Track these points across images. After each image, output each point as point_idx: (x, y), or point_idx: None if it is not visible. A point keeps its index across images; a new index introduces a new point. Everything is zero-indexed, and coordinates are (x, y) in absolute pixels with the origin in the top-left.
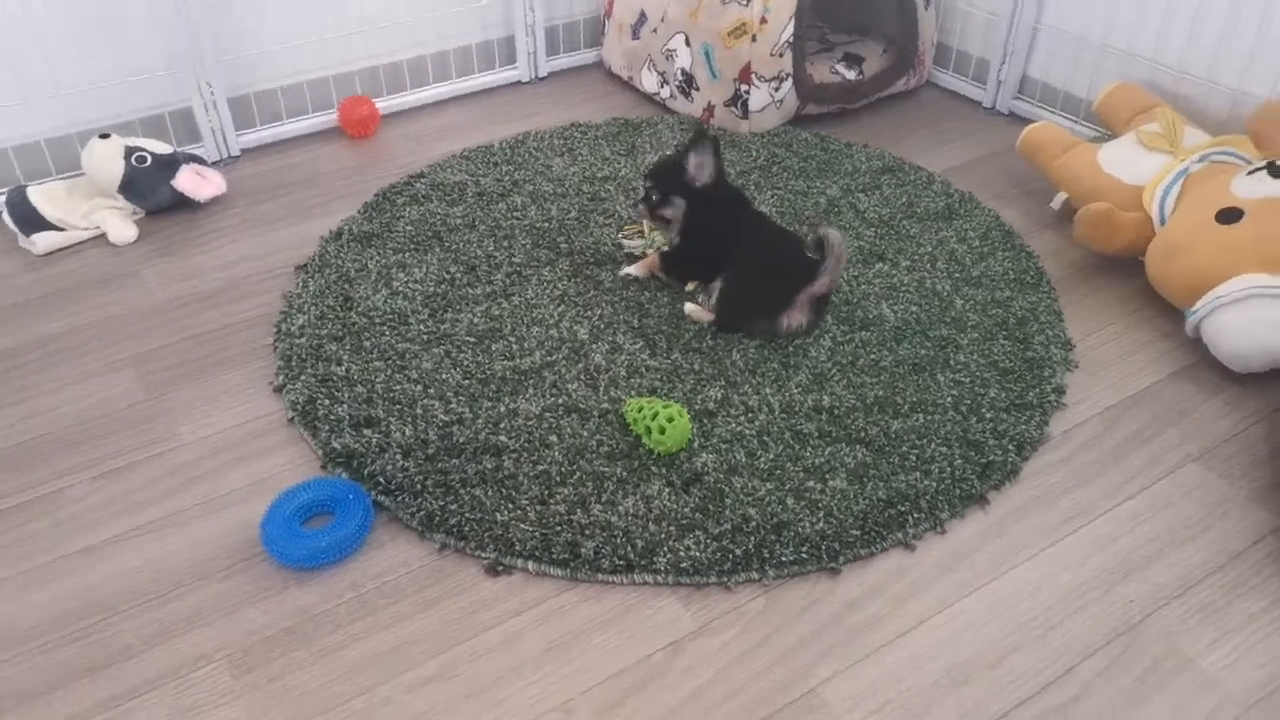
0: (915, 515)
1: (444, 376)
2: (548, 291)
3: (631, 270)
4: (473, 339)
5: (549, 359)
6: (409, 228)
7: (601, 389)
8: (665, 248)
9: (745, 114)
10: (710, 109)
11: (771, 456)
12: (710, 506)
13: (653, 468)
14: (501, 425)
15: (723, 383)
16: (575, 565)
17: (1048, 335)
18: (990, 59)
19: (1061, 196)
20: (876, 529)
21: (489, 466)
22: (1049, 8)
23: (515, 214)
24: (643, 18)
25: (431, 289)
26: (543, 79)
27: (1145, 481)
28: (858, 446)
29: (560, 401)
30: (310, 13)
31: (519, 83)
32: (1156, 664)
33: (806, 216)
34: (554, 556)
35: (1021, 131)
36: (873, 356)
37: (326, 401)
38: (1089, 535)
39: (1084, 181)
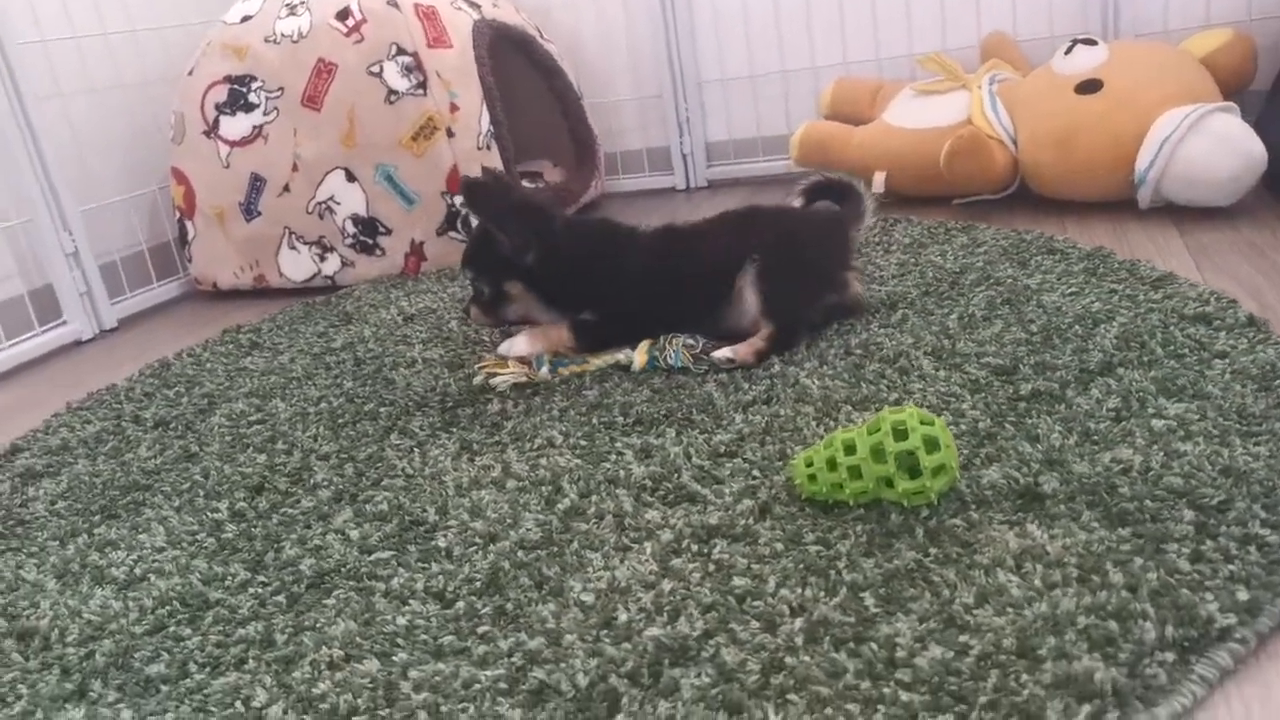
0: None
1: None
2: (433, 455)
3: (536, 370)
4: (406, 550)
5: (570, 507)
6: (61, 505)
7: (706, 489)
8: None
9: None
10: (417, 249)
11: (1062, 426)
12: (1127, 509)
13: (984, 522)
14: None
15: (858, 394)
16: None
17: (1114, 264)
18: (665, 143)
19: (880, 176)
20: None
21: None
22: (707, 62)
23: (253, 420)
24: (258, 183)
25: (215, 542)
26: (112, 330)
27: None
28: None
29: (679, 535)
30: None
31: (79, 342)
32: None
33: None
34: None
35: (794, 137)
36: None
37: None
38: None
39: (898, 146)
